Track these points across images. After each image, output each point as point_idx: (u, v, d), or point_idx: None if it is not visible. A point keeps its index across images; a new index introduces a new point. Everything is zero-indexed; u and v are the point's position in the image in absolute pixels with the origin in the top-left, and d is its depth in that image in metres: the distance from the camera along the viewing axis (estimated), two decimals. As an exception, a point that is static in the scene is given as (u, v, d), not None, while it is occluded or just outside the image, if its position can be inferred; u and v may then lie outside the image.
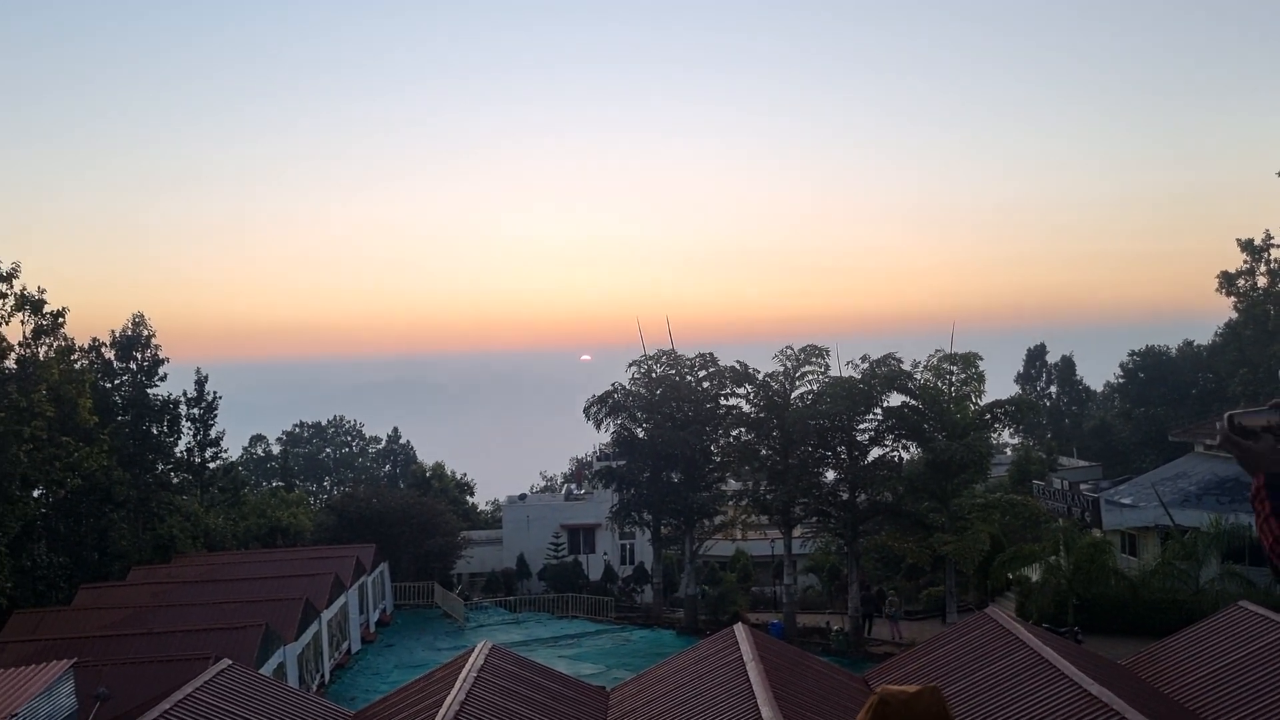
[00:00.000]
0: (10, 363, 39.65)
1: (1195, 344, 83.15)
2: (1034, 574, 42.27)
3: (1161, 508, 42.22)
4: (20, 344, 40.54)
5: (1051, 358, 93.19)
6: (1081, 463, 72.79)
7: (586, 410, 50.32)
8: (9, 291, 39.55)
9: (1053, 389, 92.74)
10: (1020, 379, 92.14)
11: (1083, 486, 48.70)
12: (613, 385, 50.53)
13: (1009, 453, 73.54)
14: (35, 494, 41.72)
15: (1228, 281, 69.98)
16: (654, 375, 50.19)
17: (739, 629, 22.67)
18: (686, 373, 50.10)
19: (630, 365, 51.04)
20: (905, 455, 46.09)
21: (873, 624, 44.70)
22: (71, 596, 40.27)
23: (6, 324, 39.45)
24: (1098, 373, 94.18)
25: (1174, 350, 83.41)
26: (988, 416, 44.07)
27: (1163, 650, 22.63)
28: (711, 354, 50.23)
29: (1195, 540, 38.08)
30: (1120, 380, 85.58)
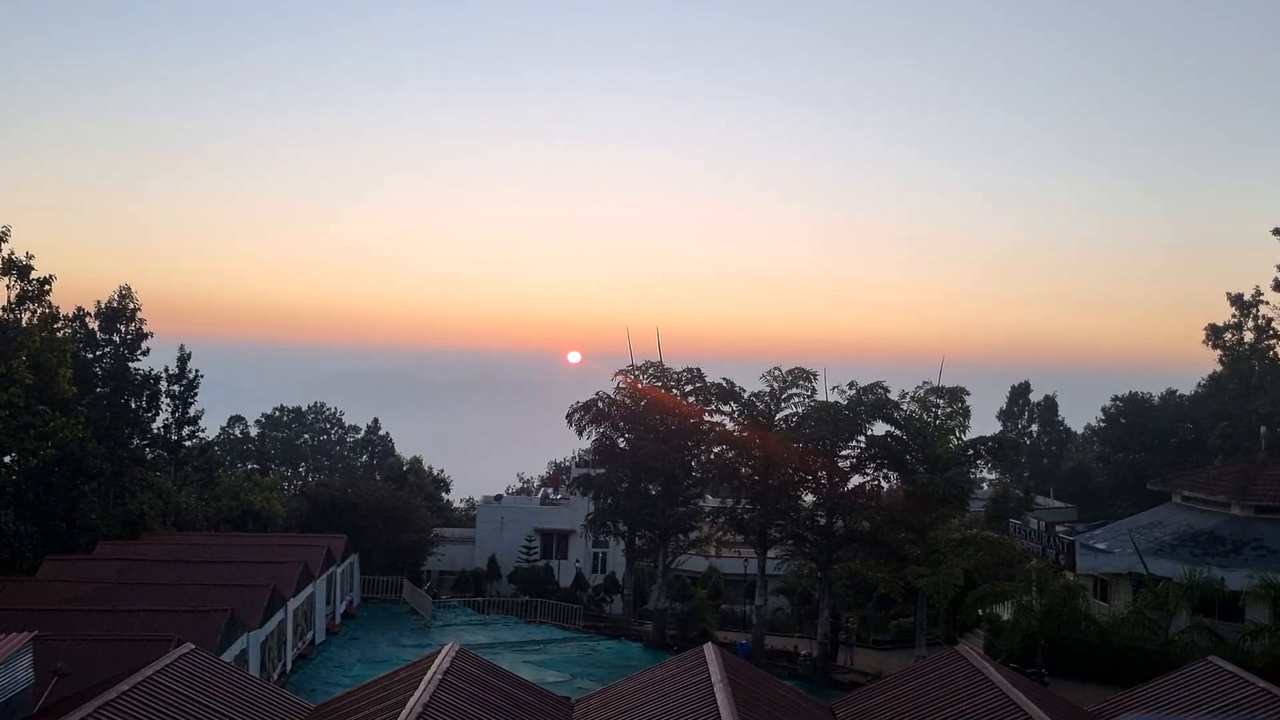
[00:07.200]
0: (-8, 326, 39.25)
1: (1178, 394, 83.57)
2: (1005, 612, 42.25)
3: (1136, 555, 42.29)
4: (4, 308, 40.14)
5: (1035, 397, 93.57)
6: (1057, 503, 72.95)
7: (569, 416, 50.13)
8: (-4, 255, 39.19)
9: (1034, 428, 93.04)
10: (1003, 415, 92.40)
11: (1058, 528, 48.73)
12: (597, 394, 50.36)
13: (986, 488, 73.65)
14: (7, 460, 41.23)
15: (1215, 334, 70.47)
16: (640, 386, 50.06)
17: (709, 649, 22.51)
18: (673, 386, 49.99)
19: (617, 374, 50.91)
20: (886, 485, 46.08)
21: (840, 651, 44.62)
22: (36, 567, 39.80)
23: (-9, 287, 39.08)
24: (1079, 415, 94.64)
25: (1156, 398, 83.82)
26: (970, 452, 44.05)
27: (1131, 700, 22.61)
28: (699, 369, 50.14)
29: (1167, 590, 38.12)
30: (1101, 424, 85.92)
